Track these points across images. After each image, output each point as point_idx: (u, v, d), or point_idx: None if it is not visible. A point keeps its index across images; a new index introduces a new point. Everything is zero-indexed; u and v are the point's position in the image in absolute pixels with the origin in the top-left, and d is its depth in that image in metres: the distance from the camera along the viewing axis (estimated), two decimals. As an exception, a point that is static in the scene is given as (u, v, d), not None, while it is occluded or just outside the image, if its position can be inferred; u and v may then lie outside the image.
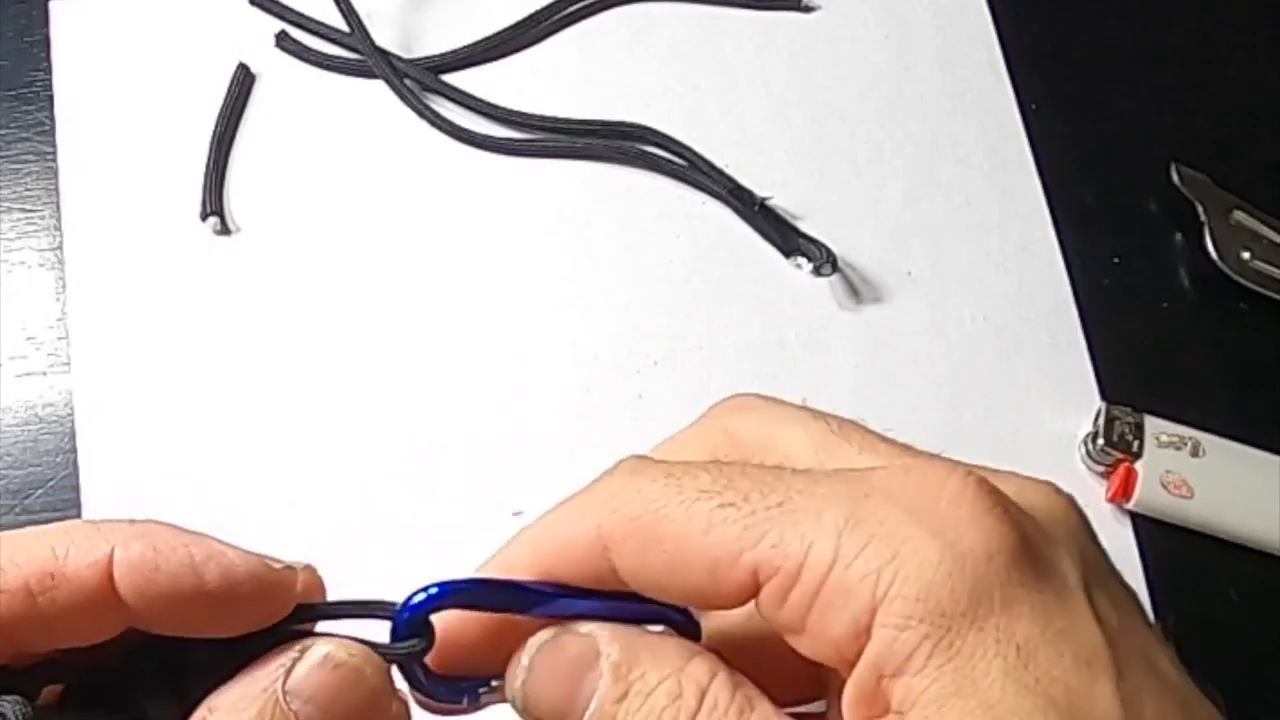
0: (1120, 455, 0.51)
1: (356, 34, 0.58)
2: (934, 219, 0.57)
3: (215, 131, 0.57)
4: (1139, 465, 0.51)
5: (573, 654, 0.25)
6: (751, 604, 0.24)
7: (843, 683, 0.23)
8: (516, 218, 0.56)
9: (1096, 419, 0.52)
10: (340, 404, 0.53)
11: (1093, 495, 0.52)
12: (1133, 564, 0.51)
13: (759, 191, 0.56)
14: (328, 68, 0.59)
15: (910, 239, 0.56)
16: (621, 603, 0.26)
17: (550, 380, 0.54)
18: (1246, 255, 0.55)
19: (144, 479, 0.51)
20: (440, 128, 0.57)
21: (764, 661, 0.25)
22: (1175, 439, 0.51)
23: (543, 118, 0.58)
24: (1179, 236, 0.57)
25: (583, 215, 0.57)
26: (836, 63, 0.60)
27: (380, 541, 0.50)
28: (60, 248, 0.55)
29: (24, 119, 0.58)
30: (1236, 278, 0.55)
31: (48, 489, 0.52)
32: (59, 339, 0.54)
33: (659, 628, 0.26)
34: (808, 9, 0.61)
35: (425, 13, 0.60)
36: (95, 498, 0.51)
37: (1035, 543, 0.23)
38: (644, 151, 0.57)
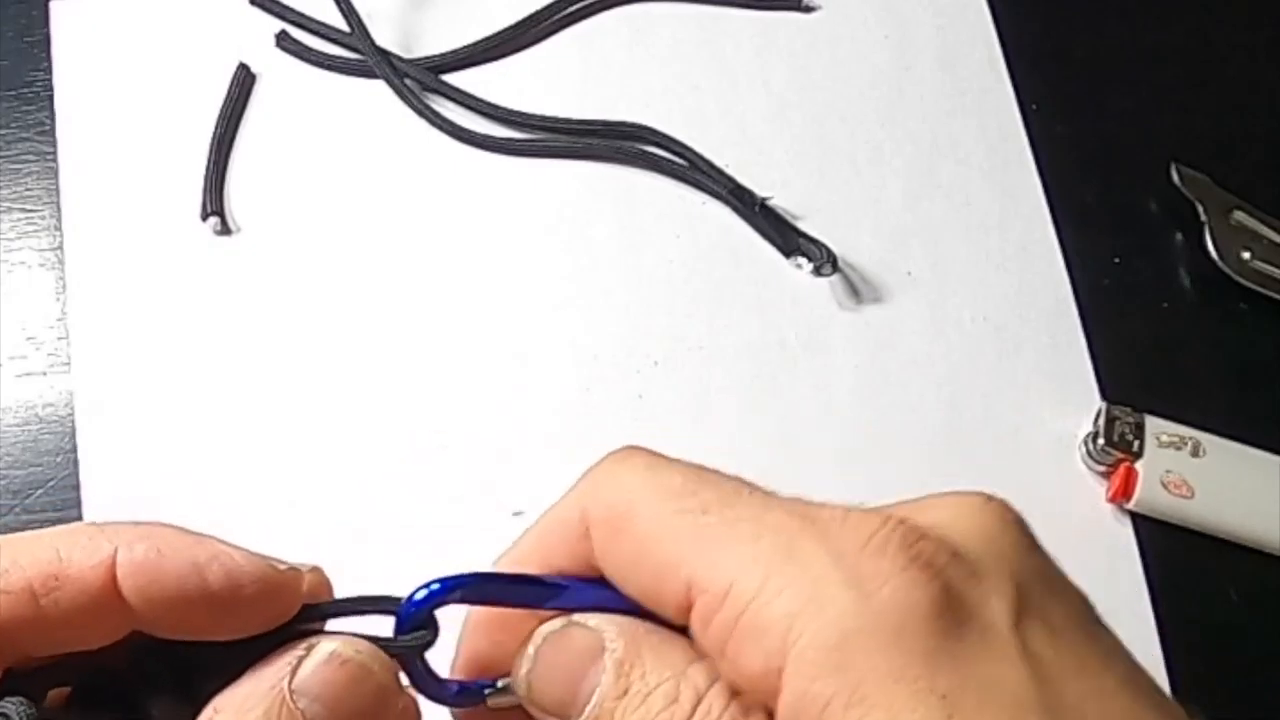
0: (1120, 455, 0.51)
1: (356, 34, 0.58)
2: (934, 219, 0.57)
3: (215, 131, 0.57)
4: (1139, 465, 0.51)
5: (579, 647, 0.25)
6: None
7: None
8: (516, 218, 0.56)
9: (1097, 419, 0.52)
10: (340, 404, 0.53)
11: (1093, 495, 0.52)
12: (1133, 564, 0.51)
13: (759, 191, 0.56)
14: (328, 68, 0.59)
15: (910, 239, 0.56)
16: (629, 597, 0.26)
17: (550, 380, 0.54)
18: (1246, 255, 0.55)
19: (144, 479, 0.51)
20: (440, 128, 0.57)
21: None
22: (1175, 439, 0.51)
23: (543, 118, 0.58)
24: (1179, 236, 0.57)
25: (583, 215, 0.57)
26: (836, 63, 0.60)
27: (380, 541, 0.50)
28: (60, 248, 0.55)
29: (24, 119, 0.58)
30: (1236, 278, 0.55)
31: (48, 489, 0.52)
32: (59, 339, 0.54)
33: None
34: (808, 9, 0.61)
35: (425, 13, 0.60)
36: (95, 498, 0.51)
37: (959, 590, 0.22)
38: (644, 151, 0.57)
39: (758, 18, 0.60)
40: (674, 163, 0.57)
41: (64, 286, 0.55)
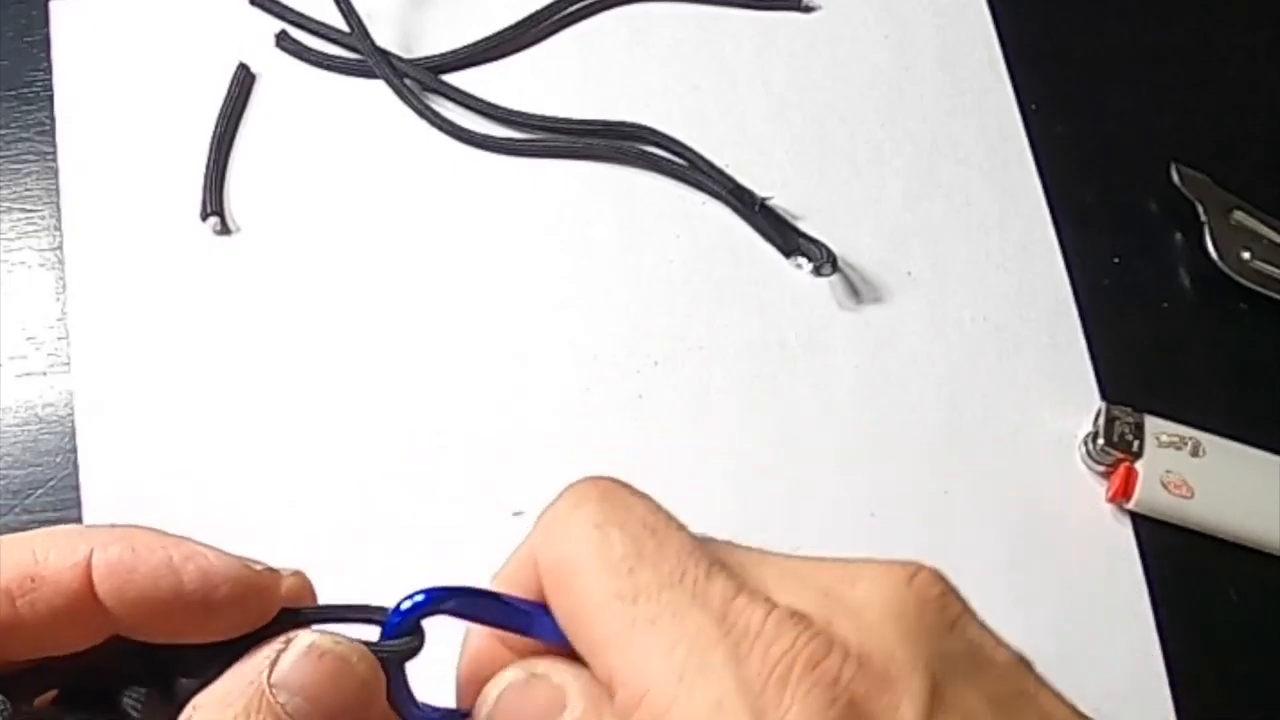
0: (1120, 455, 0.51)
1: (356, 34, 0.58)
2: (934, 219, 0.57)
3: (215, 131, 0.57)
4: (1139, 465, 0.51)
5: (540, 701, 0.25)
6: None
7: None
8: (516, 218, 0.56)
9: (1096, 419, 0.52)
10: (340, 404, 0.53)
11: (1093, 495, 0.52)
12: (1132, 564, 0.51)
13: (759, 191, 0.56)
14: (328, 68, 0.59)
15: (910, 239, 0.56)
16: None
17: (550, 380, 0.54)
18: (1246, 255, 0.55)
19: (144, 479, 0.51)
20: (440, 128, 0.57)
21: None
22: (1175, 439, 0.51)
23: (543, 118, 0.58)
24: (1179, 236, 0.57)
25: (583, 215, 0.57)
26: (836, 63, 0.60)
27: (380, 541, 0.50)
28: (60, 248, 0.55)
29: (24, 119, 0.58)
30: (1236, 278, 0.55)
31: (48, 489, 0.52)
32: (59, 339, 0.54)
33: None
34: (808, 9, 0.61)
35: (425, 13, 0.60)
36: (95, 498, 0.51)
37: (865, 707, 0.22)
38: (644, 151, 0.57)
39: (758, 18, 0.60)
40: (674, 163, 0.57)
41: (64, 286, 0.55)
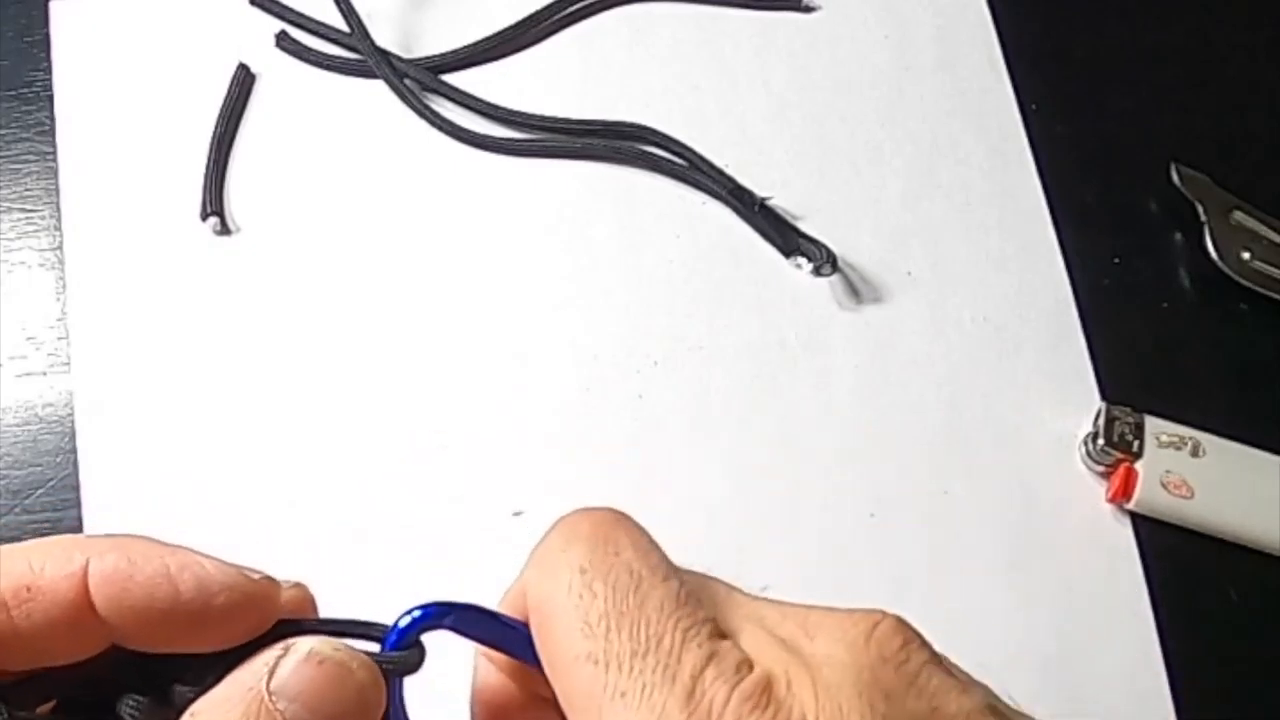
0: (1120, 455, 0.51)
1: (356, 34, 0.58)
2: (934, 219, 0.57)
3: (215, 131, 0.57)
4: (1139, 465, 0.51)
5: None
6: None
7: None
8: (516, 218, 0.57)
9: (1096, 419, 0.52)
10: (340, 404, 0.53)
11: (1093, 495, 0.52)
12: (1132, 564, 0.51)
13: (759, 191, 0.56)
14: (328, 68, 0.59)
15: (910, 239, 0.56)
16: None
17: (550, 380, 0.54)
18: (1246, 255, 0.55)
19: (144, 479, 0.51)
20: (440, 128, 0.57)
21: None
22: (1175, 439, 0.51)
23: (543, 118, 0.58)
24: (1179, 236, 0.57)
25: (583, 215, 0.57)
26: (836, 63, 0.60)
27: (380, 541, 0.50)
28: (60, 248, 0.55)
29: (24, 119, 0.58)
30: (1236, 278, 0.55)
31: (48, 489, 0.52)
32: (59, 339, 0.54)
33: None
34: (808, 9, 0.61)
35: (425, 13, 0.60)
36: (95, 498, 0.51)
37: None
38: (644, 151, 0.57)
39: (758, 18, 0.60)
40: (674, 163, 0.57)
41: (64, 286, 0.55)
